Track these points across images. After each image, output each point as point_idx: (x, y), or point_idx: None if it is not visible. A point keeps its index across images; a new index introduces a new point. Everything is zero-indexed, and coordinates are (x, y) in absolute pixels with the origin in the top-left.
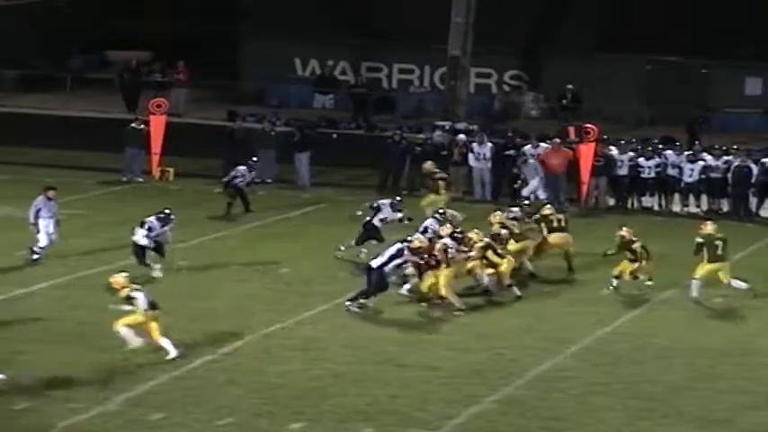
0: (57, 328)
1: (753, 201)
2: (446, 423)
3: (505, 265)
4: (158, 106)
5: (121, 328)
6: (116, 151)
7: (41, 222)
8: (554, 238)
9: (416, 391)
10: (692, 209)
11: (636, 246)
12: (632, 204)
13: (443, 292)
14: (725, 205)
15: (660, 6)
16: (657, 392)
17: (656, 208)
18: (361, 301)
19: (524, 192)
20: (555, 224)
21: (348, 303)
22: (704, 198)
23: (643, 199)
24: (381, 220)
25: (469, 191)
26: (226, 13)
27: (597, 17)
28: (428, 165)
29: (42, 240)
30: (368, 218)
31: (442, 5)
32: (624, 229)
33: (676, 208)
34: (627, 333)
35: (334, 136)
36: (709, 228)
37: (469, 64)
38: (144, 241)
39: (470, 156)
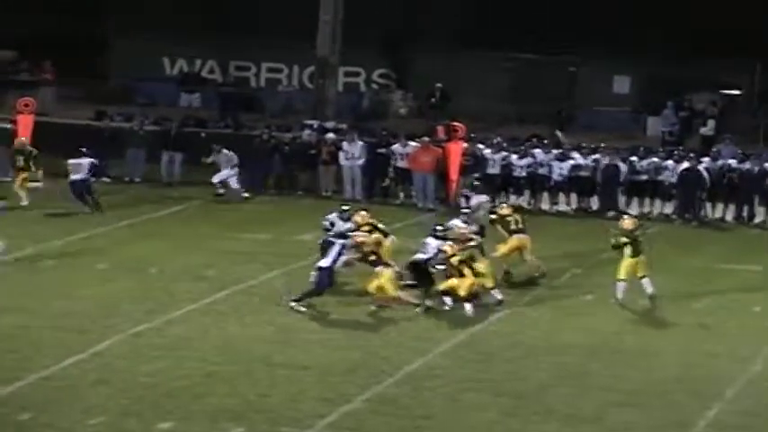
0: None
1: (621, 199)
2: (317, 422)
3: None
4: (26, 105)
5: None
6: None
7: None
8: (514, 240)
9: (287, 389)
10: (562, 207)
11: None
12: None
13: (392, 291)
14: (594, 203)
15: (528, 3)
16: (527, 390)
17: (526, 206)
18: (309, 300)
19: (214, 179)
20: (513, 226)
21: (293, 303)
22: (573, 196)
23: (513, 197)
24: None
25: (339, 190)
26: (94, 11)
27: (461, 14)
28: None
29: None
30: (324, 237)
31: (309, 4)
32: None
33: (545, 206)
34: (498, 331)
35: (203, 135)
36: (628, 224)
37: (338, 63)
38: None
39: (340, 155)
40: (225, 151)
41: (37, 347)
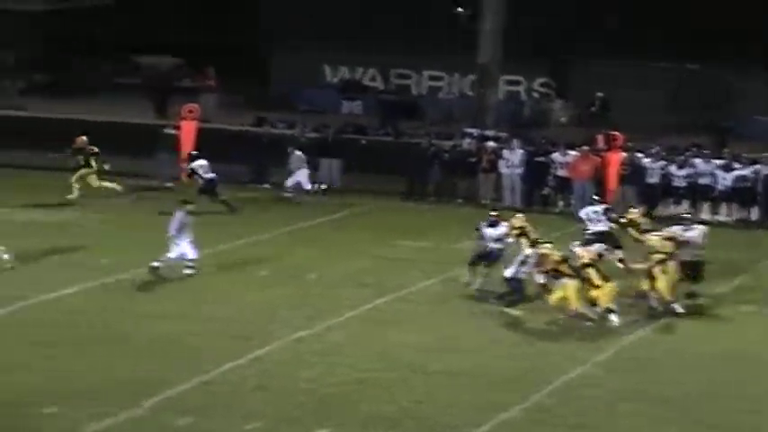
0: (86, 332)
1: None
2: (472, 430)
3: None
4: (190, 111)
5: None
6: (146, 156)
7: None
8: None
9: (443, 397)
10: (722, 217)
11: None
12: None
13: (575, 304)
14: (754, 214)
15: (688, 13)
16: (683, 400)
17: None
18: (510, 311)
19: (287, 183)
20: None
21: (505, 308)
22: (735, 207)
23: (672, 207)
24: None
25: (498, 198)
26: (256, 18)
27: (621, 25)
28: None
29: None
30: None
31: (470, 13)
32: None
33: (706, 216)
34: (654, 341)
35: (363, 142)
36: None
37: (499, 71)
38: None
39: (500, 163)
40: (297, 153)
41: (198, 352)
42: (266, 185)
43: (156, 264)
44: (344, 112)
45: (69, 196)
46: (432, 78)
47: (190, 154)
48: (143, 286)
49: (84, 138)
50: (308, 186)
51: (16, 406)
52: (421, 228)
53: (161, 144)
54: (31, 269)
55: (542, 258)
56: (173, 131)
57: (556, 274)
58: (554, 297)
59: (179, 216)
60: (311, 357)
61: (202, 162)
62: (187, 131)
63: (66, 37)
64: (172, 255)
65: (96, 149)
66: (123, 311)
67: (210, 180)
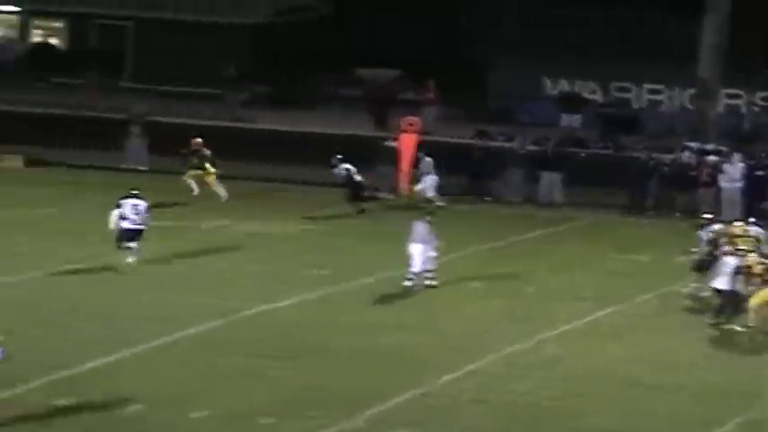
0: (303, 343)
1: None
2: None
3: None
4: (410, 124)
5: None
6: (366, 169)
7: (415, 246)
8: None
9: (661, 411)
10: None
11: None
12: None
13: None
14: None
15: None
16: None
17: None
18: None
19: (417, 187)
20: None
21: (713, 323)
22: None
23: None
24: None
25: (717, 212)
26: (476, 31)
27: None
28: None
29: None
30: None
31: (690, 26)
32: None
33: None
34: None
35: (582, 155)
36: None
37: (719, 85)
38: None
39: (720, 177)
40: (427, 159)
41: (416, 364)
42: (485, 198)
43: (408, 283)
44: (564, 125)
45: (192, 193)
46: (651, 92)
47: (341, 156)
48: (360, 298)
49: (200, 140)
50: (432, 194)
51: (234, 417)
52: (640, 242)
53: (381, 156)
54: (251, 280)
55: (751, 268)
56: (392, 144)
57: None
58: (755, 301)
59: (419, 228)
60: (527, 370)
61: (349, 165)
62: (407, 144)
63: (288, 49)
64: (415, 269)
65: (209, 152)
66: (339, 323)
67: (359, 183)
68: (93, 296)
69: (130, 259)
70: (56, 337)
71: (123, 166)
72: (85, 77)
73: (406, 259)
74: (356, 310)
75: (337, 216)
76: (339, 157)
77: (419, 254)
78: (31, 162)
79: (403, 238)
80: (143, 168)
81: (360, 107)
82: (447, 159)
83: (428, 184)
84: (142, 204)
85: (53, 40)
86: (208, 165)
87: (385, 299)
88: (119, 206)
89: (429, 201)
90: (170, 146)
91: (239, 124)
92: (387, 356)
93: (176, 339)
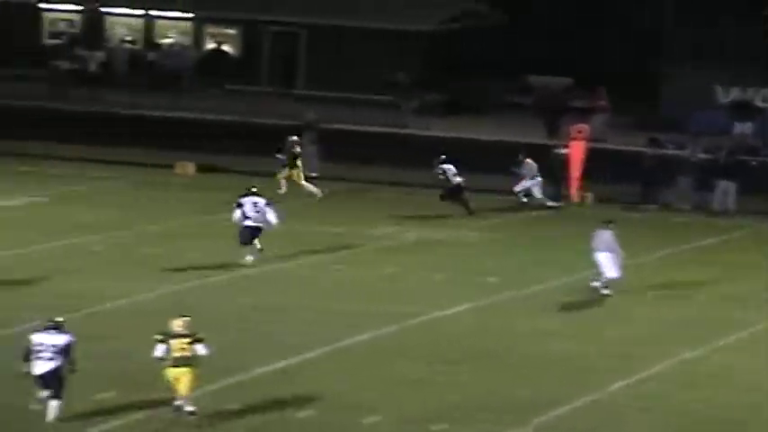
0: (476, 349)
1: None
2: None
3: None
4: (579, 132)
5: None
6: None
7: (601, 255)
8: None
9: None
10: None
11: None
12: None
13: None
14: None
15: None
16: None
17: None
18: None
19: (516, 188)
20: None
21: None
22: None
23: None
24: None
25: None
26: (647, 39)
27: None
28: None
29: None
30: None
31: None
32: None
33: None
34: None
35: (753, 164)
36: None
37: None
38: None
39: None
40: (528, 161)
41: (586, 372)
42: (654, 206)
43: (600, 287)
44: (736, 132)
45: (279, 191)
46: None
47: (445, 157)
48: (530, 305)
49: (295, 138)
50: (539, 196)
51: (406, 423)
52: None
53: (551, 164)
54: (422, 287)
55: None
56: (563, 151)
57: None
58: None
59: (603, 236)
60: (698, 379)
61: (450, 166)
62: (576, 152)
63: (459, 56)
64: (609, 275)
65: (300, 151)
66: (509, 330)
67: (457, 185)
68: (267, 301)
69: (249, 257)
70: (229, 342)
71: None
72: (258, 84)
73: (594, 267)
74: (527, 317)
75: (507, 223)
76: (443, 157)
77: (607, 261)
78: (203, 168)
79: (570, 244)
80: (314, 175)
81: (531, 114)
82: (617, 167)
83: (533, 185)
84: (261, 202)
85: (226, 47)
86: (299, 163)
87: (555, 306)
88: (240, 205)
89: (541, 203)
90: (341, 153)
91: (410, 131)
92: (557, 363)
93: (350, 345)
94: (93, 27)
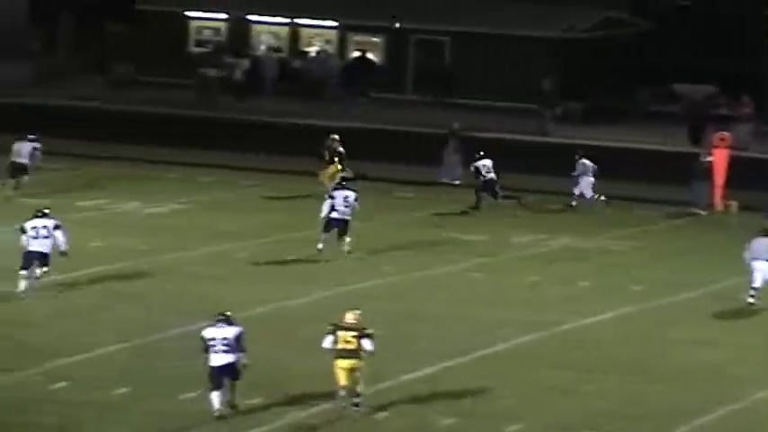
0: (619, 358)
1: None
2: None
3: None
4: (722, 140)
5: None
6: (681, 184)
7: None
8: None
9: None
10: None
11: None
12: None
13: None
14: None
15: None
16: None
17: None
18: None
19: (575, 190)
20: None
21: None
22: None
23: None
24: None
25: None
26: None
27: None
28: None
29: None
30: None
31: None
32: None
33: None
34: None
35: None
36: None
37: None
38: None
39: None
40: (583, 160)
41: (732, 380)
42: None
43: (750, 300)
44: None
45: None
46: None
47: (481, 154)
48: (677, 313)
49: (336, 136)
50: (590, 195)
51: (553, 429)
52: None
53: (696, 172)
54: (565, 295)
55: None
56: (708, 159)
57: None
58: None
59: (761, 244)
60: None
61: (486, 162)
62: (719, 160)
63: (603, 64)
64: (756, 284)
65: (342, 150)
66: (654, 338)
67: (490, 180)
68: (412, 308)
69: (321, 246)
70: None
71: (440, 180)
72: (403, 92)
73: (747, 275)
74: (671, 325)
75: (650, 232)
76: (481, 153)
77: (762, 271)
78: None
79: (715, 252)
80: (456, 183)
81: (674, 123)
82: (761, 175)
83: (584, 185)
84: (352, 196)
85: (370, 55)
86: (337, 160)
87: (701, 315)
88: (332, 197)
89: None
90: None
91: (550, 139)
92: (701, 372)
93: (493, 353)
94: (239, 35)
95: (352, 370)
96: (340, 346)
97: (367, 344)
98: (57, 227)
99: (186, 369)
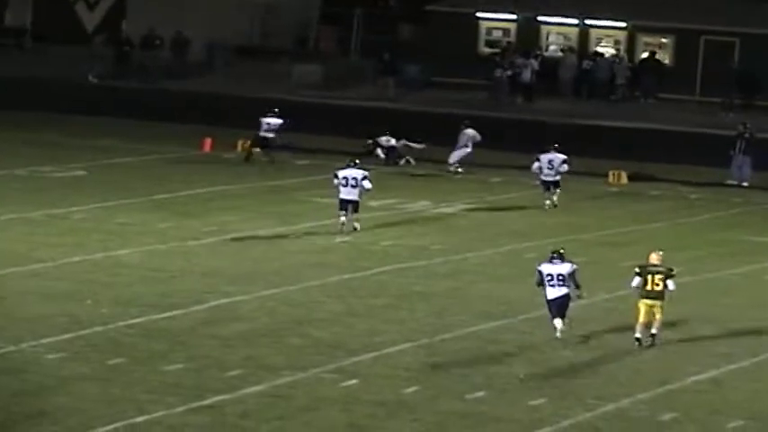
0: None
1: None
2: None
3: None
4: None
5: None
6: None
7: None
8: None
9: None
10: None
11: None
12: None
13: None
14: None
15: None
16: None
17: None
18: None
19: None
20: None
21: None
22: None
23: None
24: None
25: None
26: None
27: None
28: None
29: None
30: None
31: None
32: None
33: None
34: None
35: None
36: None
37: None
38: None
39: None
40: (468, 131)
41: None
42: None
43: None
44: None
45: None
46: None
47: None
48: None
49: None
50: (452, 161)
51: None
52: None
53: None
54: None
55: None
56: None
57: None
58: None
59: None
60: None
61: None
62: None
63: None
64: None
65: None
66: None
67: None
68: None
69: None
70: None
71: (728, 182)
72: (692, 94)
73: None
74: None
75: None
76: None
77: None
78: (634, 177)
79: None
80: (745, 184)
81: None
82: None
83: (457, 153)
84: (558, 159)
85: (660, 56)
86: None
87: None
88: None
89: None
90: None
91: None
92: None
93: None
94: (528, 36)
95: (654, 309)
96: (648, 287)
97: (671, 284)
98: (364, 178)
99: (472, 370)
